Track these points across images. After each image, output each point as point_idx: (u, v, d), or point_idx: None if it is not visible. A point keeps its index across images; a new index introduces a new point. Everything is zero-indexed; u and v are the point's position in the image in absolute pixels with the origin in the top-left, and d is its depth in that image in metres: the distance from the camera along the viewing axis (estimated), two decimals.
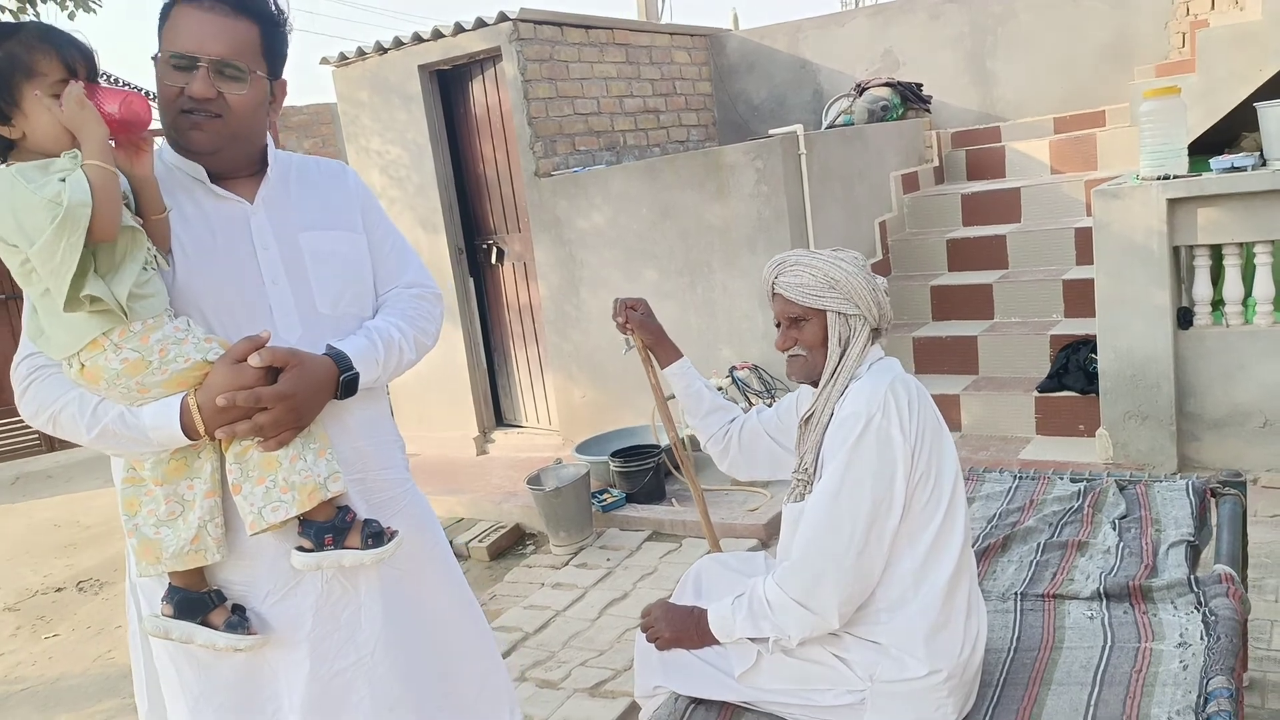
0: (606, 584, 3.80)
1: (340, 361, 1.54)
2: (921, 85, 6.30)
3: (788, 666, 1.83)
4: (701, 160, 4.77)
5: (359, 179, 1.80)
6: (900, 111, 6.14)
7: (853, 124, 5.95)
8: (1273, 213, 3.57)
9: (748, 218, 4.65)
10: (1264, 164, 3.61)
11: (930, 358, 4.85)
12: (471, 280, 5.88)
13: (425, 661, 1.69)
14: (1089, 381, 4.21)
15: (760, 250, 4.66)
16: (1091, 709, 1.75)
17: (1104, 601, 2.09)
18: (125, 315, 1.38)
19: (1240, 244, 3.70)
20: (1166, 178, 3.72)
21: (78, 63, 1.38)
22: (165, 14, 1.50)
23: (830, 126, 6.06)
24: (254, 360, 1.43)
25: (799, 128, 4.64)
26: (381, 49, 5.70)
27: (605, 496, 4.42)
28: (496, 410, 6.04)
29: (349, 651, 1.59)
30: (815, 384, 1.88)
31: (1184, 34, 6.14)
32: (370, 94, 5.84)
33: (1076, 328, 4.56)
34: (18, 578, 5.21)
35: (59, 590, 4.95)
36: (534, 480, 4.28)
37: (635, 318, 2.20)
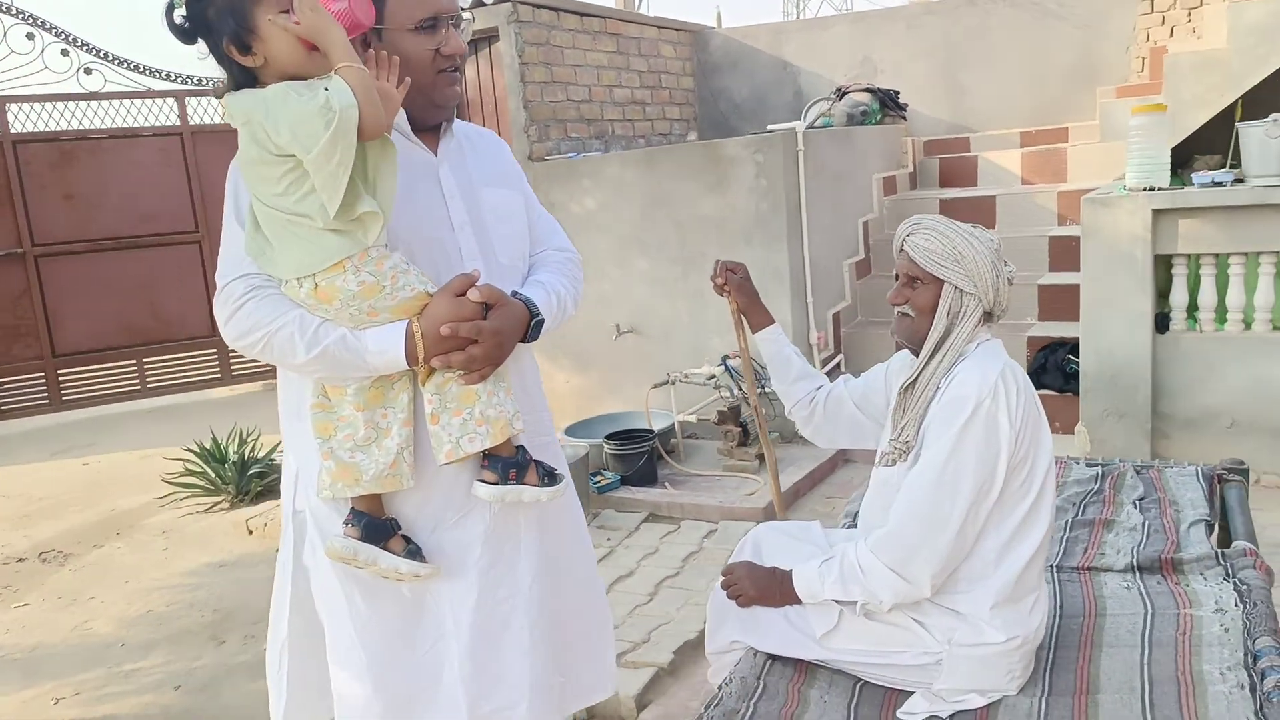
0: (610, 562, 3.86)
1: (529, 307, 1.61)
2: (899, 93, 6.51)
3: (868, 629, 1.92)
4: (701, 152, 4.86)
5: (509, 148, 1.91)
6: (878, 117, 6.33)
7: (832, 126, 6.12)
8: (1250, 227, 3.83)
9: (746, 210, 4.76)
10: (1242, 181, 3.87)
11: None
12: None
13: (561, 604, 1.77)
14: (1066, 380, 4.43)
15: (756, 243, 4.77)
16: (1146, 668, 1.89)
17: (1137, 574, 2.25)
18: (383, 221, 1.43)
19: (1216, 255, 3.95)
20: (1152, 189, 3.96)
21: None
22: None
23: (810, 127, 6.22)
24: (473, 295, 1.50)
25: (798, 125, 4.77)
26: None
27: (599, 478, 4.47)
28: None
29: (509, 582, 1.66)
30: (914, 349, 1.97)
31: (1144, 58, 6.48)
32: None
33: (1051, 330, 4.79)
34: None
35: (21, 560, 4.78)
36: None
37: (734, 280, 2.26)
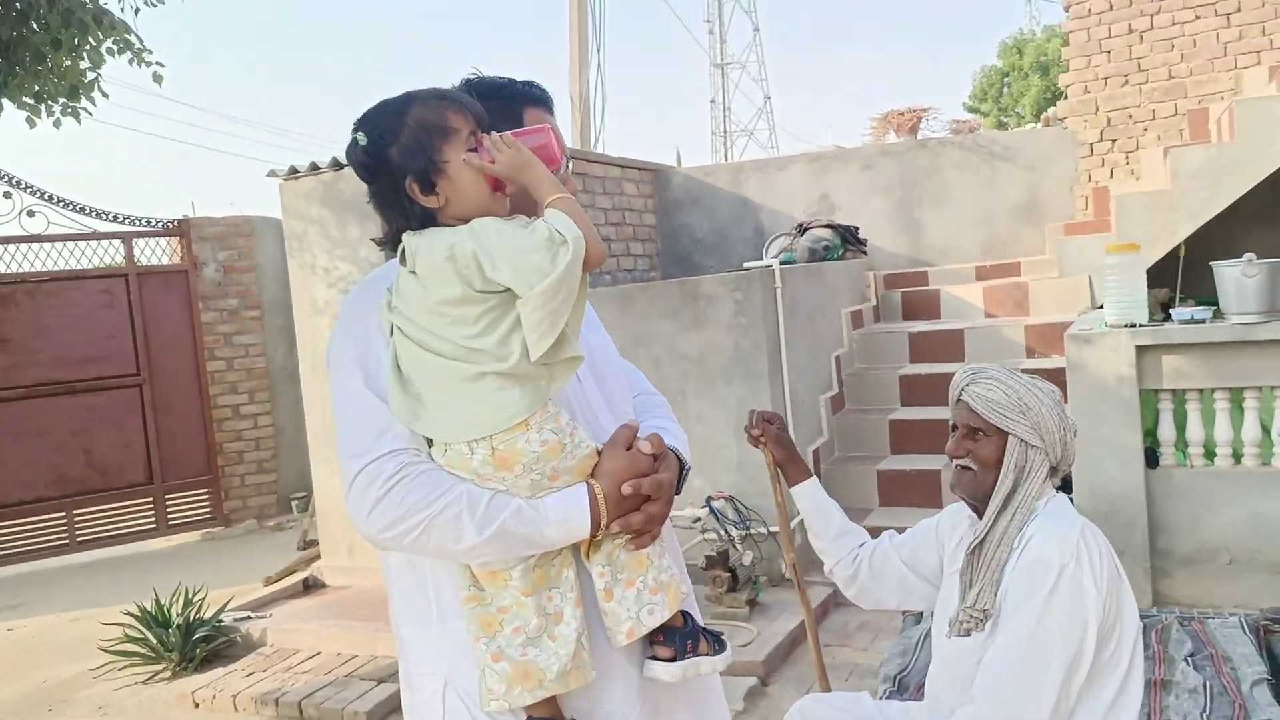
0: None
1: (678, 456, 1.49)
2: (858, 229, 6.65)
3: None
4: (678, 290, 4.83)
5: None
6: (840, 252, 6.43)
7: (794, 261, 6.18)
8: (1231, 363, 3.87)
9: (725, 348, 4.70)
10: (1221, 317, 3.94)
11: (895, 490, 4.94)
12: None
13: None
14: None
15: (736, 381, 4.69)
16: None
17: None
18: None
19: (1201, 390, 3.98)
20: (1133, 325, 4.00)
21: (477, 114, 1.34)
22: (512, 114, 1.48)
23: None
24: (644, 447, 1.36)
25: (775, 262, 4.78)
26: (339, 165, 5.58)
27: None
28: None
29: None
30: (975, 505, 1.85)
31: (1087, 197, 6.76)
32: (321, 209, 5.68)
33: None
34: None
35: None
36: None
37: (771, 432, 2.15)
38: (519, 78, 1.55)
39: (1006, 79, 28.42)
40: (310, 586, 5.74)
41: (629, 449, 1.36)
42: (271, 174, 5.86)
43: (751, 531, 4.58)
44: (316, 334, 5.74)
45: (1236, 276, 3.78)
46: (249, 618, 5.02)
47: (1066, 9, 6.85)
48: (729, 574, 4.39)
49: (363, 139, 1.30)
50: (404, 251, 1.31)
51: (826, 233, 6.43)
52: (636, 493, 1.33)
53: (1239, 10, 6.30)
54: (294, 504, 7.92)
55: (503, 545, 1.28)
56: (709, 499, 4.59)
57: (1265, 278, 3.73)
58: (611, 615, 1.34)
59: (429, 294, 1.27)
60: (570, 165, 1.61)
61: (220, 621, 4.87)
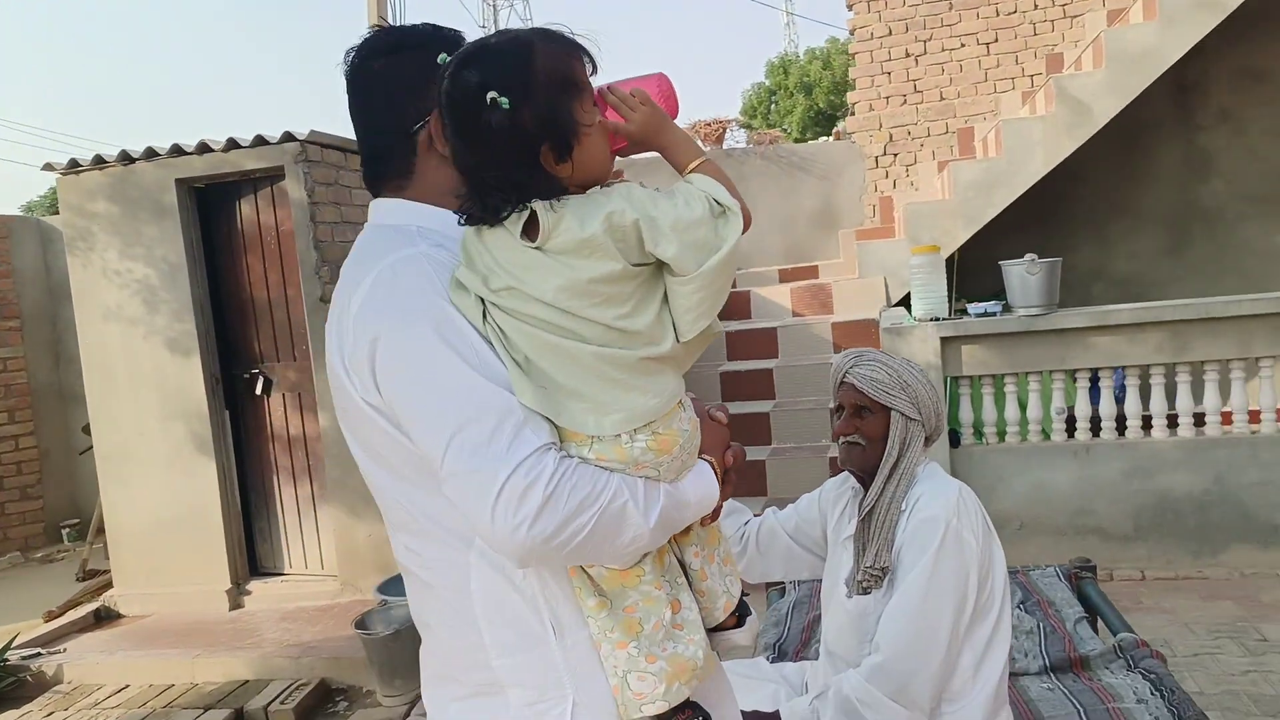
0: None
1: None
2: None
3: None
4: None
5: None
6: None
7: None
8: (1018, 351, 4.37)
9: None
10: (1010, 311, 4.43)
11: None
12: (227, 413, 5.30)
13: None
14: None
15: None
16: None
17: (1052, 675, 2.38)
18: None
19: (994, 375, 4.46)
20: (936, 319, 4.42)
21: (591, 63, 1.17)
22: None
23: None
24: (721, 416, 1.30)
25: None
26: (129, 159, 5.14)
27: None
28: (250, 558, 5.39)
29: None
30: (864, 477, 2.01)
31: (874, 205, 7.35)
32: (109, 205, 5.21)
33: None
34: None
35: None
36: (361, 624, 3.88)
37: None
38: (442, 25, 1.29)
39: (774, 96, 30.27)
40: (103, 617, 5.23)
41: (711, 420, 1.29)
42: (48, 167, 5.30)
43: None
44: (106, 342, 5.25)
45: (1021, 274, 4.27)
46: (39, 654, 4.52)
47: (852, 32, 7.44)
48: None
49: (505, 101, 1.08)
50: (528, 225, 1.11)
51: None
52: (735, 463, 1.28)
53: (996, 41, 7.09)
54: (65, 532, 7.18)
55: (661, 533, 1.17)
56: None
57: (1045, 275, 4.24)
58: (709, 594, 1.28)
59: (577, 271, 1.09)
60: None
61: (5, 661, 4.35)
